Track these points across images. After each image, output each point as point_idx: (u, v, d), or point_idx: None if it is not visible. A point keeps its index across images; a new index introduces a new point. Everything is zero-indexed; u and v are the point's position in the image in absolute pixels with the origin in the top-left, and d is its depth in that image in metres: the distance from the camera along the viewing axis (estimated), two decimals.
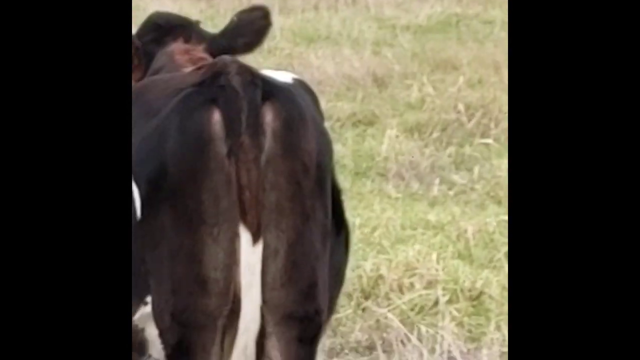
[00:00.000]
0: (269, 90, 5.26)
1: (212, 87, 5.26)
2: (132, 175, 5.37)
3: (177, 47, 6.30)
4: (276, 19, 17.80)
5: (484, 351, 8.00)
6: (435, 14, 19.32)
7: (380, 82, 14.76)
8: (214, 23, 17.69)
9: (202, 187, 5.23)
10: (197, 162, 5.24)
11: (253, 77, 5.26)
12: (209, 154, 5.21)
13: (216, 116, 5.20)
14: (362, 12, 19.37)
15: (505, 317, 8.38)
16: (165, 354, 5.49)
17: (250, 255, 5.26)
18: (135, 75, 6.34)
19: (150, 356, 5.77)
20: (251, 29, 6.44)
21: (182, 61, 6.08)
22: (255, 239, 5.23)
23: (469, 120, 13.13)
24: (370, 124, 13.17)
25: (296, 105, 5.30)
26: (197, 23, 6.86)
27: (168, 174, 5.29)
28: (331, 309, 5.72)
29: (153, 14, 6.53)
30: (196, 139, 5.24)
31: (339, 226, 5.73)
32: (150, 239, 5.40)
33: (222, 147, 5.18)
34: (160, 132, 5.35)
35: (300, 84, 5.56)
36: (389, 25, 18.49)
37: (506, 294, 8.74)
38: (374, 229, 10.22)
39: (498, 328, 8.33)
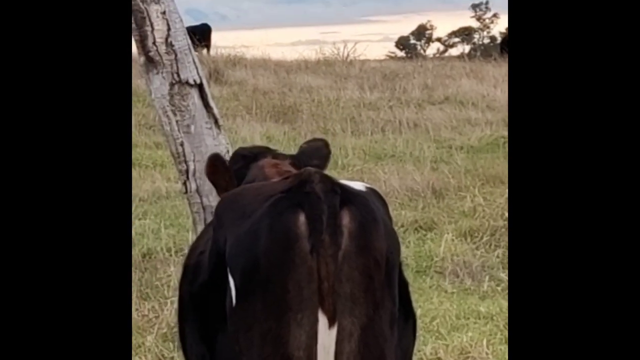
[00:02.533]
0: (346, 196, 5.31)
1: (298, 194, 5.31)
2: (228, 268, 5.44)
3: (266, 161, 6.37)
4: (349, 140, 18.05)
5: None
6: (485, 136, 19.36)
7: (438, 194, 14.79)
8: (296, 143, 17.89)
9: (288, 278, 5.25)
10: (285, 258, 5.26)
11: (333, 186, 5.30)
12: (295, 250, 5.24)
13: (302, 218, 5.23)
14: (422, 134, 19.41)
15: None
16: None
17: (326, 337, 5.25)
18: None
19: None
20: (318, 154, 6.46)
21: (271, 173, 6.15)
22: (330, 323, 5.25)
23: None
24: (430, 229, 13.18)
25: (369, 210, 5.34)
26: (275, 150, 6.90)
27: (260, 267, 5.31)
28: None
29: (238, 148, 6.56)
30: (284, 238, 5.26)
31: (407, 314, 5.77)
32: (243, 322, 5.42)
33: (306, 245, 5.21)
34: (253, 232, 5.39)
35: (372, 192, 5.62)
36: (445, 145, 18.53)
37: None
38: (433, 319, 10.24)
39: None
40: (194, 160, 6.85)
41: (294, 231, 5.25)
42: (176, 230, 13.02)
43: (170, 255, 12.12)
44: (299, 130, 19.47)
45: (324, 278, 5.23)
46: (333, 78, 26.78)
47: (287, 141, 18.33)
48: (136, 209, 14.20)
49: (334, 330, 5.26)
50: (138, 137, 19.01)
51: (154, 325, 10.16)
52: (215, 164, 6.38)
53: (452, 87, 25.30)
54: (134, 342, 9.90)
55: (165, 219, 13.70)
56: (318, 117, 20.87)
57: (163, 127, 6.95)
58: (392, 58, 43.15)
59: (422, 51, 72.27)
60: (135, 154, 17.60)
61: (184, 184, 6.92)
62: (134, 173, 16.27)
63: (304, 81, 25.96)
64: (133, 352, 9.69)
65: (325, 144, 6.80)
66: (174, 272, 11.44)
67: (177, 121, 6.87)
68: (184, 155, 6.86)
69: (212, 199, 6.79)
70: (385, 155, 17.51)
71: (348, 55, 31.47)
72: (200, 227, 6.81)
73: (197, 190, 6.84)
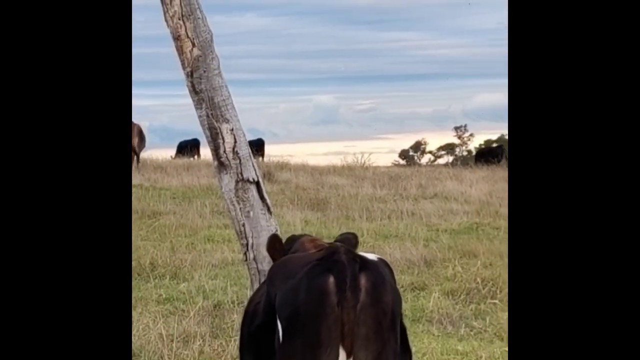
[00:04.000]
0: (363, 264, 5.42)
1: (329, 261, 5.39)
2: (277, 315, 5.48)
3: (306, 238, 6.40)
4: (364, 224, 18.09)
5: None
6: (463, 222, 19.37)
7: (428, 263, 14.81)
8: (326, 226, 17.92)
9: (321, 323, 5.35)
10: (319, 308, 5.36)
11: (354, 256, 5.44)
12: (326, 303, 5.35)
13: (331, 280, 5.35)
14: (417, 220, 19.41)
15: None
16: None
17: None
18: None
19: None
20: (349, 243, 6.45)
21: (310, 247, 6.17)
22: (348, 356, 5.30)
23: (484, 288, 13.10)
24: (422, 289, 13.20)
25: (379, 274, 5.45)
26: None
27: (300, 314, 5.41)
28: None
29: (290, 236, 6.55)
30: (318, 294, 5.37)
31: (405, 350, 5.80)
32: (288, 355, 5.47)
33: (334, 299, 5.32)
34: (295, 289, 5.47)
35: (382, 261, 5.68)
36: (434, 228, 18.50)
37: None
38: (423, 354, 10.26)
39: None
40: (252, 237, 6.88)
41: (325, 289, 5.38)
42: (238, 288, 13.01)
43: (234, 306, 12.11)
44: (328, 216, 19.50)
45: (345, 323, 5.33)
46: (353, 179, 26.86)
47: (319, 224, 18.40)
48: (209, 272, 14.21)
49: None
50: (212, 219, 19.03)
51: (222, 357, 10.13)
52: (273, 243, 6.41)
53: (440, 187, 25.32)
54: None
55: (230, 279, 13.69)
56: (342, 207, 20.91)
57: (230, 213, 6.97)
58: (396, 165, 43.22)
59: (417, 160, 72.27)
60: (209, 232, 17.62)
61: (245, 254, 6.94)
62: (208, 246, 16.30)
63: (332, 181, 26.06)
64: None
65: (355, 237, 6.81)
66: (237, 318, 11.44)
67: (240, 208, 6.89)
68: (245, 233, 6.88)
69: (265, 265, 6.81)
70: (390, 235, 17.49)
71: (364, 162, 31.58)
72: (256, 286, 6.81)
73: (254, 259, 6.86)
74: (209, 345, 10.47)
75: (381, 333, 5.37)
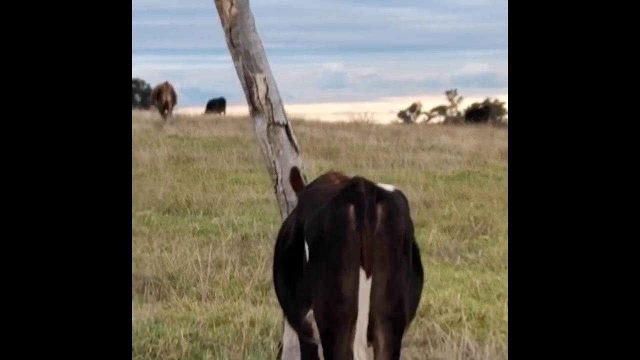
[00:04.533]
0: (380, 195, 5.36)
1: (350, 193, 5.33)
2: (305, 239, 5.45)
3: (331, 172, 6.35)
4: (370, 171, 18.05)
5: (486, 347, 7.86)
6: (457, 170, 19.32)
7: (427, 205, 14.74)
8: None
9: (342, 247, 5.30)
10: (340, 234, 5.31)
11: (372, 188, 5.36)
12: (347, 229, 5.29)
13: (352, 209, 5.28)
14: (417, 168, 19.35)
15: (500, 330, 8.32)
16: (319, 336, 5.50)
17: (364, 285, 5.29)
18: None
19: (314, 338, 5.79)
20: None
21: (334, 179, 6.11)
22: (367, 276, 5.28)
23: (476, 225, 13.06)
24: (422, 226, 13.08)
25: (394, 204, 5.40)
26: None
27: (324, 239, 5.37)
28: (412, 315, 5.66)
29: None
30: (340, 221, 5.32)
31: (418, 271, 5.74)
32: (312, 275, 5.45)
33: (353, 226, 5.26)
34: (321, 216, 5.44)
35: (398, 192, 5.59)
36: (431, 175, 18.44)
37: (500, 317, 8.70)
38: (425, 281, 10.09)
39: (494, 334, 8.24)
40: (281, 172, 6.85)
41: (346, 217, 5.31)
42: (263, 223, 12.99)
43: (260, 238, 12.11)
44: (339, 164, 19.45)
45: (364, 247, 5.25)
46: (360, 133, 26.76)
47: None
48: (237, 209, 14.20)
49: (370, 280, 5.27)
50: (238, 165, 19.03)
51: (249, 280, 10.12)
52: (294, 174, 6.38)
53: (435, 140, 25.23)
54: (235, 290, 9.86)
55: (255, 215, 13.67)
56: (351, 157, 20.85)
57: (262, 152, 6.92)
58: (395, 124, 43.04)
59: (413, 120, 71.99)
60: (236, 175, 17.63)
61: (275, 187, 6.88)
62: (235, 187, 16.29)
63: (341, 134, 25.98)
64: (235, 298, 9.64)
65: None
66: (262, 248, 11.43)
67: (271, 148, 6.84)
68: (275, 169, 6.85)
69: (293, 197, 6.76)
70: (393, 180, 17.38)
71: (368, 120, 31.52)
72: (285, 215, 6.77)
73: (283, 192, 6.83)
74: (238, 270, 10.47)
75: (395, 257, 5.34)
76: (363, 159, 20.27)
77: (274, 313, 9.01)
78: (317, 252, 5.40)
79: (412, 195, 15.05)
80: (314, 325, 5.64)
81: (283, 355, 6.75)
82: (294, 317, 5.84)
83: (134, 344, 7.96)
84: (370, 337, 5.40)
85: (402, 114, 76.80)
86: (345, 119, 32.09)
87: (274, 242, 10.89)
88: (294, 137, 6.94)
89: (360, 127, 29.33)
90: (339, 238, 5.30)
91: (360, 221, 5.25)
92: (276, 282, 6.06)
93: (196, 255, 10.83)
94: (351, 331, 5.37)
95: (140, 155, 19.14)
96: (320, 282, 5.38)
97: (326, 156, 20.86)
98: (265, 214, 13.73)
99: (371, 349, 5.45)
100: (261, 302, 9.55)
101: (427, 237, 12.24)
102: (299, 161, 6.91)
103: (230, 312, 8.98)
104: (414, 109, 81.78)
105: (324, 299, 5.37)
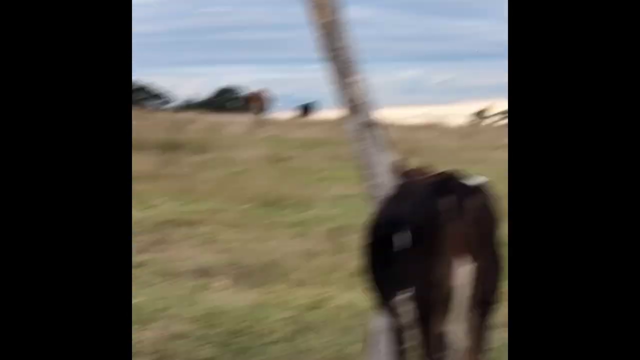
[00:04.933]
0: (472, 187, 5.21)
1: (444, 184, 5.21)
2: (401, 227, 5.27)
3: (420, 166, 6.15)
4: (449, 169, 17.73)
5: None
6: None
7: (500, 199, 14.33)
8: None
9: (438, 236, 5.13)
10: (437, 223, 5.13)
11: (464, 180, 5.23)
12: (442, 219, 5.11)
13: (447, 200, 5.11)
14: (490, 166, 18.96)
15: None
16: (418, 318, 5.31)
17: (459, 272, 5.11)
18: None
19: (403, 321, 5.59)
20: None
21: (424, 172, 5.93)
22: (462, 264, 5.12)
23: None
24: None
25: (484, 197, 5.20)
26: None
27: (421, 228, 5.20)
28: (497, 301, 5.44)
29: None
30: (437, 211, 5.14)
31: (500, 259, 5.50)
32: (409, 261, 5.25)
33: (449, 216, 5.09)
34: (417, 207, 5.26)
35: (486, 183, 5.36)
36: (503, 172, 18.00)
37: None
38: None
39: None
40: (373, 169, 6.64)
41: (442, 208, 5.13)
42: (353, 215, 12.77)
43: (350, 230, 11.91)
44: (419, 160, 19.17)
45: (458, 236, 5.08)
46: (437, 134, 26.35)
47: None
48: (330, 203, 14.04)
49: (464, 268, 5.10)
50: (329, 163, 18.89)
51: (341, 268, 9.96)
52: (396, 168, 6.19)
53: (505, 140, 24.64)
54: (329, 278, 9.68)
55: (347, 208, 13.48)
56: (430, 156, 20.57)
57: (354, 150, 6.73)
58: (469, 126, 42.39)
59: (486, 122, 71.41)
60: (328, 172, 17.51)
61: (366, 183, 6.68)
62: (327, 183, 16.15)
63: (421, 136, 25.62)
64: (329, 284, 9.47)
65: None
66: (352, 238, 11.23)
67: (363, 145, 6.67)
68: (367, 166, 6.67)
69: (382, 191, 6.55)
70: None
71: (444, 122, 31.05)
72: (376, 207, 6.56)
73: (374, 186, 6.60)
74: (331, 259, 10.32)
75: (486, 245, 5.17)
76: (441, 157, 19.95)
77: (363, 299, 8.80)
78: (413, 241, 5.24)
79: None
80: (404, 309, 5.46)
81: (370, 339, 6.54)
82: (385, 301, 5.65)
83: (237, 326, 7.84)
84: (462, 321, 5.22)
85: (475, 116, 76.28)
86: (424, 121, 31.77)
87: (364, 233, 10.73)
88: (383, 135, 6.73)
89: (437, 128, 29.02)
90: (436, 227, 5.13)
91: (455, 212, 5.08)
92: (368, 267, 5.87)
93: (293, 245, 10.70)
94: (444, 316, 5.21)
95: (240, 154, 19.11)
96: (416, 268, 5.22)
97: (407, 155, 20.54)
98: (355, 207, 13.51)
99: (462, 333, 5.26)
100: (352, 288, 9.35)
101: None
102: (388, 158, 6.68)
103: (325, 297, 8.80)
104: (485, 111, 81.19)
105: (420, 285, 5.21)
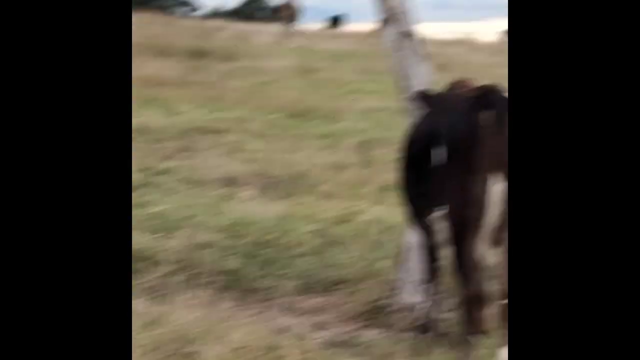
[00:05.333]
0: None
1: (484, 99, 4.97)
2: (439, 142, 5.06)
3: (460, 80, 5.91)
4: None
5: None
6: None
7: None
8: None
9: (477, 152, 4.95)
10: (475, 138, 4.95)
11: (502, 95, 4.97)
12: (482, 134, 4.94)
13: (488, 114, 4.92)
14: None
15: None
16: (451, 236, 5.11)
17: (497, 189, 4.93)
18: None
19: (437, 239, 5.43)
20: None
21: (463, 86, 5.72)
22: (500, 181, 4.91)
23: None
24: None
25: None
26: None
27: (459, 143, 5.01)
28: None
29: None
30: (476, 126, 4.96)
31: None
32: (447, 175, 5.09)
33: (488, 131, 4.89)
34: (456, 121, 5.09)
35: None
36: None
37: None
38: None
39: None
40: (409, 80, 6.39)
41: (482, 123, 4.94)
42: (382, 129, 12.57)
43: (379, 144, 11.69)
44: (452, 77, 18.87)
45: (498, 152, 4.85)
46: (468, 50, 25.95)
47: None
48: (359, 116, 13.80)
49: (502, 185, 4.90)
50: (357, 76, 18.60)
51: (371, 182, 9.78)
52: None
53: None
54: (358, 191, 9.52)
55: (375, 122, 13.26)
56: (461, 71, 20.18)
57: (391, 59, 6.47)
58: (501, 42, 41.87)
59: None
60: (357, 85, 17.23)
61: (402, 95, 6.44)
62: (356, 96, 15.88)
63: (452, 51, 25.20)
64: (357, 198, 9.30)
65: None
66: (381, 152, 11.04)
67: (400, 56, 6.41)
68: (403, 77, 6.40)
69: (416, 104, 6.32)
70: None
71: (476, 38, 30.56)
72: (410, 120, 6.34)
73: (409, 99, 6.36)
74: (360, 172, 10.14)
75: None
76: (472, 73, 19.57)
77: (393, 214, 8.64)
78: (452, 155, 5.04)
79: None
80: (439, 226, 5.29)
81: (402, 255, 6.38)
82: (419, 217, 5.49)
83: (264, 237, 7.70)
84: (497, 241, 5.05)
85: (505, 33, 75.18)
86: (454, 37, 31.26)
87: (393, 148, 10.51)
88: (420, 46, 6.47)
89: (468, 44, 28.56)
90: (474, 143, 4.93)
91: (495, 127, 4.86)
92: (403, 183, 5.69)
93: (321, 157, 10.52)
94: (478, 235, 5.02)
95: (268, 64, 18.83)
96: (453, 185, 5.04)
97: (439, 69, 20.20)
98: (384, 121, 13.30)
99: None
100: (381, 203, 9.19)
101: None
102: (426, 69, 6.44)
103: (353, 211, 8.63)
104: None
105: (456, 202, 5.03)
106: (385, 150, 11.18)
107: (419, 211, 5.47)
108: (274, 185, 9.78)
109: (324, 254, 7.45)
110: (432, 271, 5.92)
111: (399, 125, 12.80)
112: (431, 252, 5.87)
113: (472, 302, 5.04)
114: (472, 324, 5.07)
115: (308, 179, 9.93)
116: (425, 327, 5.92)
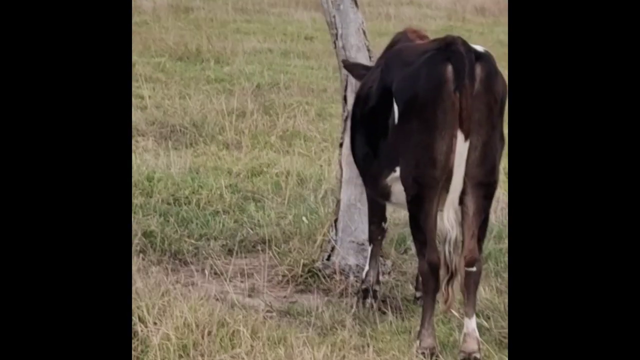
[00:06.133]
0: (477, 54, 4.64)
1: (447, 51, 4.59)
2: (394, 98, 4.68)
3: (409, 29, 5.51)
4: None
5: None
6: (439, 25, 18.32)
7: None
8: None
9: (438, 107, 4.58)
10: (437, 94, 4.58)
11: (469, 47, 4.61)
12: (444, 89, 4.56)
13: (450, 68, 4.56)
14: (401, 22, 18.37)
15: None
16: (407, 200, 4.74)
17: (461, 148, 4.58)
18: None
19: (391, 201, 5.07)
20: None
21: (413, 37, 5.31)
22: (465, 139, 4.53)
23: None
24: None
25: (492, 64, 4.70)
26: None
27: (419, 98, 4.62)
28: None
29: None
30: (437, 81, 4.58)
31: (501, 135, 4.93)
32: (403, 135, 4.71)
33: (451, 86, 4.55)
34: (414, 75, 4.69)
35: (488, 52, 4.75)
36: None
37: None
38: None
39: None
40: (341, 27, 5.97)
41: (444, 76, 4.55)
42: (272, 72, 12.10)
43: (272, 88, 11.23)
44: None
45: (464, 108, 4.51)
46: None
47: None
48: (246, 59, 13.25)
49: (467, 143, 4.53)
50: (235, 15, 17.93)
51: (273, 130, 9.35)
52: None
53: None
54: (261, 140, 9.07)
55: (264, 65, 12.73)
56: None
57: (322, 6, 6.05)
58: None
59: None
60: (237, 25, 16.64)
61: (334, 42, 6.02)
62: (238, 37, 15.31)
63: None
64: (262, 147, 8.85)
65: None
66: (275, 97, 10.58)
67: (332, 1, 5.96)
68: (335, 24, 5.99)
69: (353, 52, 5.94)
70: (383, 33, 16.52)
71: None
72: (344, 71, 5.94)
73: (343, 47, 5.97)
74: (261, 120, 9.66)
75: (491, 118, 4.66)
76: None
77: (305, 165, 8.26)
78: (409, 113, 4.65)
79: None
80: (394, 187, 4.93)
81: (340, 212, 6.00)
82: (373, 177, 5.09)
83: (177, 194, 7.21)
84: (461, 202, 4.71)
85: None
86: None
87: (289, 92, 10.01)
88: None
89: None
90: (436, 98, 4.54)
91: (460, 81, 4.49)
92: (354, 141, 5.28)
93: (217, 104, 9.99)
94: (440, 195, 4.67)
95: (142, 3, 17.96)
96: (412, 144, 4.65)
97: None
98: (273, 63, 12.84)
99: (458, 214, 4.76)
100: (288, 152, 8.78)
101: None
102: (359, 16, 6.02)
103: (264, 162, 8.19)
104: None
105: (415, 161, 4.65)
106: (282, 95, 10.76)
107: (374, 171, 5.07)
108: (172, 134, 9.24)
109: (242, 212, 7.02)
110: (378, 233, 5.58)
111: (289, 68, 12.39)
112: (379, 213, 5.53)
113: (432, 270, 4.70)
114: (431, 293, 4.74)
115: (207, 127, 9.40)
116: (366, 292, 5.59)
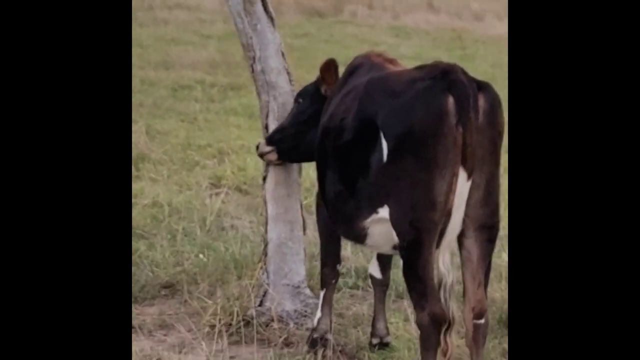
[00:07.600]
0: (479, 85, 4.16)
1: (445, 81, 4.09)
2: (382, 133, 4.18)
3: (371, 52, 4.95)
4: None
5: None
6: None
7: None
8: None
9: (438, 143, 4.05)
10: (437, 128, 4.06)
11: (469, 76, 4.15)
12: (445, 123, 4.05)
13: (451, 100, 4.05)
14: None
15: None
16: (402, 246, 4.22)
17: (462, 187, 4.12)
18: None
19: (366, 244, 4.52)
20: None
21: (378, 61, 4.77)
22: (468, 177, 4.10)
23: None
24: None
25: (495, 96, 4.20)
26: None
27: (414, 133, 4.09)
28: None
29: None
30: (437, 113, 4.06)
31: None
32: (393, 174, 4.17)
33: (453, 120, 4.04)
34: (408, 108, 4.14)
35: (489, 84, 4.28)
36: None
37: None
38: None
39: None
40: (259, 49, 5.39)
41: (445, 109, 4.05)
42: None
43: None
44: None
45: (468, 144, 4.05)
46: None
47: None
48: None
49: (469, 182, 4.09)
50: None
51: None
52: (329, 65, 4.95)
53: None
54: None
55: None
56: None
57: (237, 26, 5.44)
58: None
59: None
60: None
61: (252, 66, 5.44)
62: None
63: None
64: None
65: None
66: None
67: (247, 22, 5.38)
68: (252, 46, 5.40)
69: (273, 76, 5.41)
70: None
71: None
72: (264, 97, 5.42)
73: (262, 70, 5.40)
74: None
75: (495, 154, 4.19)
76: None
77: (170, 193, 7.56)
78: (403, 149, 4.10)
79: None
80: (373, 229, 4.37)
81: (270, 253, 5.42)
82: (348, 218, 4.48)
83: None
84: (461, 247, 4.26)
85: None
86: None
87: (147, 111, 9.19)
88: (271, 9, 5.46)
89: None
90: (435, 133, 4.03)
91: (464, 114, 4.02)
92: (323, 178, 4.66)
93: None
94: (438, 242, 4.18)
95: None
96: (406, 183, 4.10)
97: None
98: None
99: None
100: (138, 177, 8.03)
101: None
102: (277, 36, 5.46)
103: (133, 193, 7.40)
104: None
105: (411, 203, 4.10)
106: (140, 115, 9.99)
107: (347, 213, 4.48)
108: None
109: (133, 251, 6.25)
110: (332, 277, 5.05)
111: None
112: (334, 254, 5.01)
113: (434, 324, 4.18)
114: (432, 350, 4.22)
115: None
116: (315, 342, 5.05)
